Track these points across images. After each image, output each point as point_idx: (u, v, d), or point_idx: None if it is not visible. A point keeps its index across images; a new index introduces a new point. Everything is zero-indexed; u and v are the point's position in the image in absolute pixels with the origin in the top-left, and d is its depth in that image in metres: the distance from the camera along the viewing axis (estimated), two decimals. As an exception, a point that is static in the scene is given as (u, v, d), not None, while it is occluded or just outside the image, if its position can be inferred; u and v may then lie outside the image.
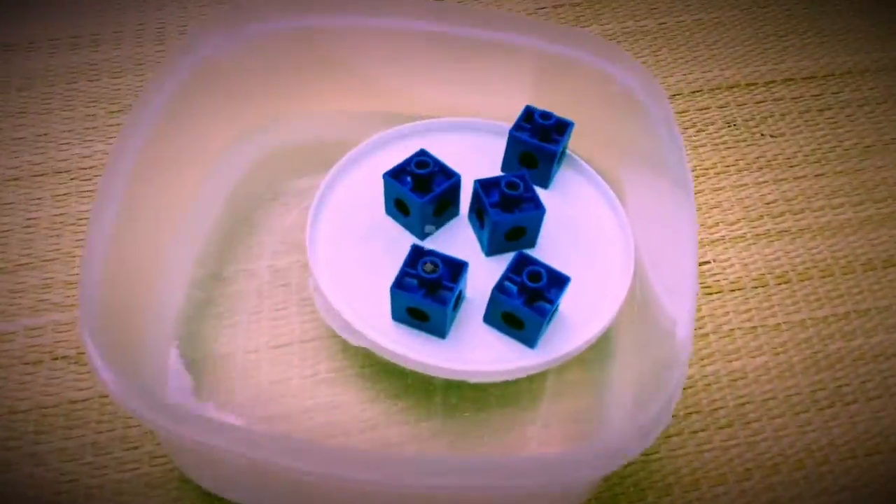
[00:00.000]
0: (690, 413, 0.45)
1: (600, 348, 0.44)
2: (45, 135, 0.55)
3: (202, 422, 0.32)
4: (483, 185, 0.43)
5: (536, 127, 0.45)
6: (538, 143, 0.45)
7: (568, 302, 0.42)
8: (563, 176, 0.48)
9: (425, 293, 0.40)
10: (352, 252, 0.44)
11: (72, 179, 0.53)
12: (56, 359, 0.46)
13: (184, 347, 0.44)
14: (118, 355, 0.34)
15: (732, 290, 0.49)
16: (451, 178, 0.44)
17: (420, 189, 0.43)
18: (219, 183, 0.49)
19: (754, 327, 0.48)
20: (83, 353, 0.46)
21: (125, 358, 0.36)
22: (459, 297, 0.42)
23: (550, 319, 0.41)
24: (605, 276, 0.44)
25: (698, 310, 0.48)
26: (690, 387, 0.46)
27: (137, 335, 0.41)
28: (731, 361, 0.47)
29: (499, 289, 0.40)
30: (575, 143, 0.47)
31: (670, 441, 0.44)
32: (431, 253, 0.40)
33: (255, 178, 0.50)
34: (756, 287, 0.50)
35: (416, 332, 0.42)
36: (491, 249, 0.44)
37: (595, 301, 0.43)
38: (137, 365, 0.39)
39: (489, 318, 0.42)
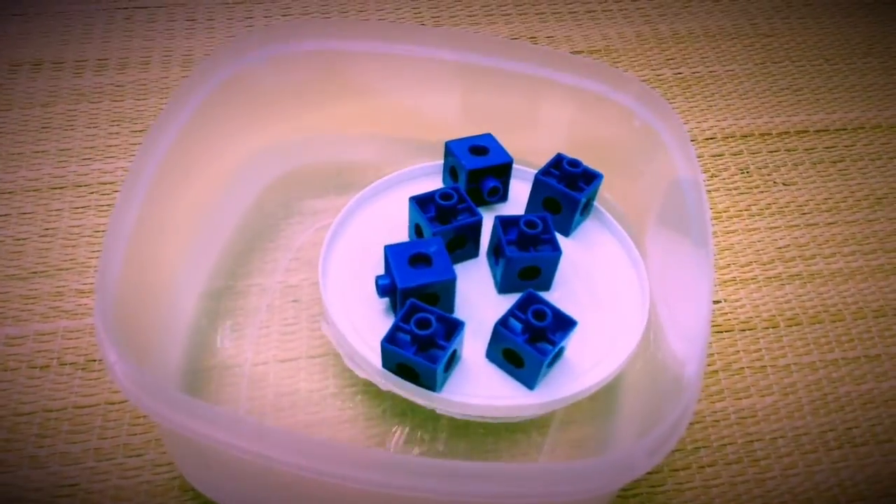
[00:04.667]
0: (699, 448, 0.44)
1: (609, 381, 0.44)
2: (68, 150, 0.56)
3: (209, 413, 0.31)
4: (503, 223, 0.43)
5: (564, 173, 0.45)
6: (563, 188, 0.45)
7: (576, 348, 0.41)
8: (588, 227, 0.48)
9: (417, 350, 0.38)
10: (363, 283, 0.44)
11: (91, 193, 0.53)
12: (64, 364, 0.46)
13: (193, 356, 0.44)
14: (128, 352, 0.34)
15: (743, 330, 0.49)
16: (474, 217, 0.44)
17: (440, 221, 0.43)
18: (236, 199, 0.49)
19: (764, 367, 0.48)
20: (92, 360, 0.46)
21: (135, 356, 0.36)
22: (454, 357, 0.40)
23: (553, 362, 0.41)
24: (617, 327, 0.43)
25: (708, 347, 0.48)
26: (699, 422, 0.45)
27: (149, 340, 0.41)
28: (739, 399, 0.46)
29: (502, 323, 0.39)
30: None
31: (677, 475, 0.43)
32: (427, 310, 0.39)
33: (272, 195, 0.50)
34: (767, 328, 0.50)
35: None
36: (504, 287, 0.44)
37: (604, 350, 0.42)
38: (148, 366, 0.39)
39: (491, 354, 0.41)
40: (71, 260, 0.50)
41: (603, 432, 0.43)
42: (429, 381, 0.39)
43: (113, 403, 0.44)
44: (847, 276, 0.52)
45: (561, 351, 0.41)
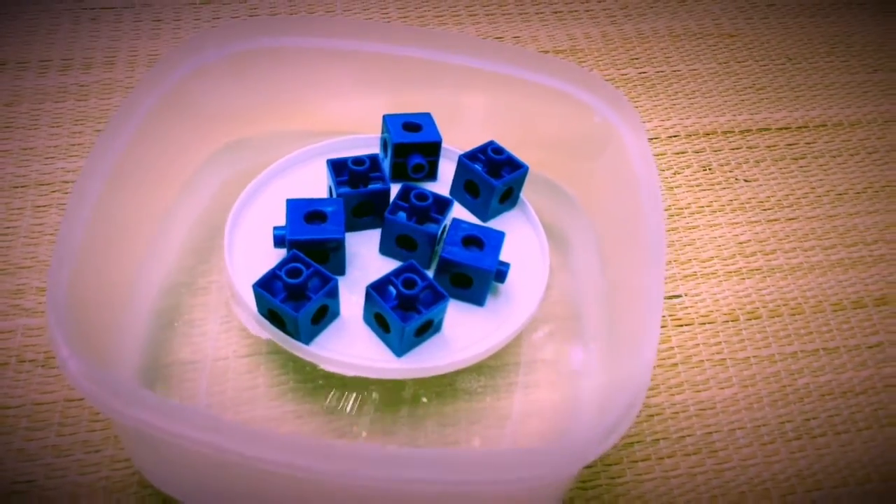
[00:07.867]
0: (658, 439, 0.45)
1: (571, 371, 0.45)
2: (31, 149, 0.56)
3: (163, 406, 0.31)
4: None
5: (488, 159, 0.46)
6: (481, 173, 0.46)
7: (458, 327, 0.42)
8: (509, 217, 0.48)
9: (285, 298, 0.39)
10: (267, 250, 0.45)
11: (53, 192, 0.53)
12: (23, 361, 0.45)
13: (153, 352, 0.44)
14: (83, 348, 0.33)
15: (703, 324, 0.50)
16: (382, 186, 0.45)
17: (351, 185, 0.45)
18: (194, 197, 0.49)
19: (723, 360, 0.48)
20: (51, 357, 0.45)
21: (90, 352, 0.36)
22: (326, 312, 0.41)
23: (426, 334, 0.41)
24: (505, 314, 0.44)
25: (668, 340, 0.49)
26: (658, 414, 0.46)
27: (106, 336, 0.40)
28: (699, 392, 0.47)
29: (374, 287, 0.40)
30: (545, 169, 0.48)
31: (637, 466, 0.44)
32: (304, 261, 0.40)
33: (230, 193, 0.50)
34: (726, 321, 0.50)
35: None
36: (382, 248, 0.45)
37: (485, 333, 0.43)
38: (103, 362, 0.39)
39: (366, 317, 0.42)
40: (32, 258, 0.50)
41: (564, 425, 0.44)
42: (293, 330, 0.40)
43: (72, 400, 0.44)
44: (807, 270, 0.53)
45: (433, 324, 0.41)
